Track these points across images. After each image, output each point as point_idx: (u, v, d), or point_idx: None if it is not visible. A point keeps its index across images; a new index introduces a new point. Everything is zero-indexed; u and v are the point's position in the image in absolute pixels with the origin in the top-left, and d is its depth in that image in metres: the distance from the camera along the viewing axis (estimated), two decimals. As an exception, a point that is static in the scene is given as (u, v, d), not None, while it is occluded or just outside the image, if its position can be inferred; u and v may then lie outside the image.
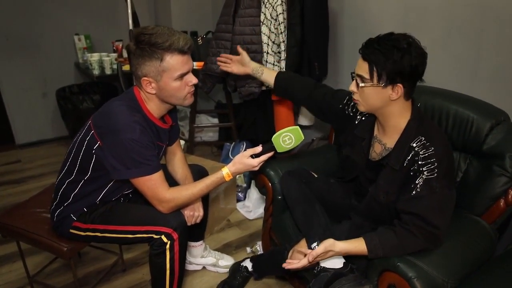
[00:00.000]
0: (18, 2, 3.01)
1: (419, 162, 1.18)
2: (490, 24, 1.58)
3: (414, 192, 1.18)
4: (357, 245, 1.20)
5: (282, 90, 1.71)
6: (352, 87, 1.26)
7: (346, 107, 1.49)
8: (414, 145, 1.20)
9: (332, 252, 1.22)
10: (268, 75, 1.72)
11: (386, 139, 1.31)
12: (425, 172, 1.16)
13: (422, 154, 1.18)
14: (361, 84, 1.21)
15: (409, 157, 1.21)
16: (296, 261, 1.28)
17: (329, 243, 1.22)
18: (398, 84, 1.16)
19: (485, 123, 1.35)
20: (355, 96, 1.27)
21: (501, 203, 1.31)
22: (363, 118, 1.42)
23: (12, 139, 3.34)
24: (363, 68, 1.19)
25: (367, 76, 1.18)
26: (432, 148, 1.17)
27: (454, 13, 1.70)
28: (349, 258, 1.33)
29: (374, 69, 1.16)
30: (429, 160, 1.16)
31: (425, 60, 1.17)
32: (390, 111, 1.24)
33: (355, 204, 1.49)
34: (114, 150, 1.24)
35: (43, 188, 1.79)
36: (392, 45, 1.13)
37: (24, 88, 3.24)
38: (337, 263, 1.33)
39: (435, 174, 1.15)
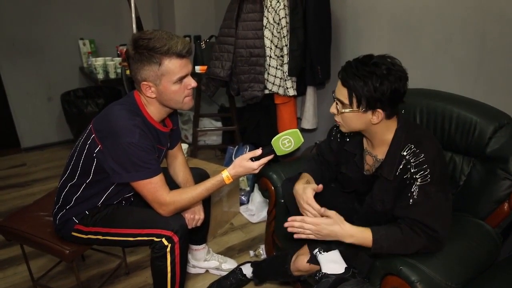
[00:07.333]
0: (24, 8, 3.05)
1: (412, 170, 1.17)
2: (492, 26, 1.57)
3: (411, 201, 1.17)
4: (363, 230, 1.18)
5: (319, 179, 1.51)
6: (333, 109, 1.24)
7: (335, 142, 1.47)
8: (405, 153, 1.19)
9: (338, 227, 1.18)
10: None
11: (376, 151, 1.31)
12: (418, 179, 1.15)
13: (413, 162, 1.17)
14: (341, 110, 1.20)
15: (401, 166, 1.20)
16: (299, 217, 1.25)
17: (341, 218, 1.20)
18: (378, 110, 1.16)
19: (488, 126, 1.34)
20: (337, 118, 1.25)
21: (505, 207, 1.30)
22: (352, 135, 1.40)
23: (17, 142, 3.38)
24: (342, 93, 1.17)
25: (346, 101, 1.17)
26: (423, 155, 1.16)
27: (456, 16, 1.69)
28: (350, 263, 1.33)
29: (353, 95, 1.14)
30: (421, 167, 1.15)
31: (405, 83, 1.15)
32: (374, 131, 1.24)
33: (358, 208, 1.49)
34: (114, 153, 1.25)
35: (47, 192, 1.80)
36: (370, 71, 1.11)
37: (30, 92, 3.29)
38: (338, 268, 1.31)
39: (429, 180, 1.14)
